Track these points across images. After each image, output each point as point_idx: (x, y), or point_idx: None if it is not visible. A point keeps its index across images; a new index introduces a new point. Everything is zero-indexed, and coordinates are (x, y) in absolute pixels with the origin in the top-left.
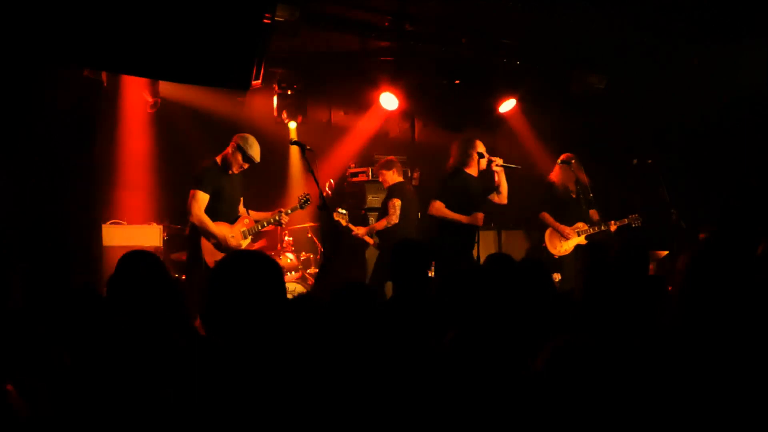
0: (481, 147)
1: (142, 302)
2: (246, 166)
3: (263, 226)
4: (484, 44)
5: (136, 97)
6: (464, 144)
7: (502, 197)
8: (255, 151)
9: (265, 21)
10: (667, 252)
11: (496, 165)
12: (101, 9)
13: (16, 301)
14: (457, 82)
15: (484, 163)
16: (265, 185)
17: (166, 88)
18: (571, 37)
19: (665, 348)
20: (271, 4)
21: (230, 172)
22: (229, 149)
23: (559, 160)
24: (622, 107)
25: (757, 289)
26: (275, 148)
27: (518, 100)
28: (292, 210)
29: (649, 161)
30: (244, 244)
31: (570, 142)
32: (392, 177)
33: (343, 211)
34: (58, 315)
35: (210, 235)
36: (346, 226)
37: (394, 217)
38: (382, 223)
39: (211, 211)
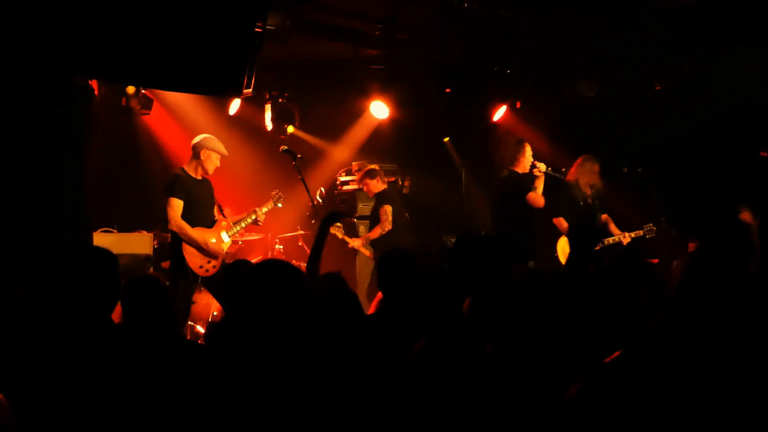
0: (529, 151)
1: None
2: (219, 164)
3: (242, 227)
4: (474, 52)
5: (127, 105)
6: (515, 146)
7: None
8: (221, 144)
9: (257, 29)
10: (657, 260)
11: (538, 171)
12: (94, 18)
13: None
14: (447, 90)
15: (527, 166)
16: (255, 193)
17: (156, 96)
18: (562, 45)
19: (658, 353)
20: (263, 13)
21: (200, 177)
22: (203, 156)
23: (578, 161)
24: (613, 115)
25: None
26: (265, 156)
27: (509, 108)
28: (267, 208)
29: (640, 169)
30: (225, 246)
31: (561, 150)
32: (376, 185)
33: (339, 224)
34: (56, 322)
35: (190, 240)
36: (342, 239)
37: (387, 224)
38: (377, 232)
39: (186, 217)
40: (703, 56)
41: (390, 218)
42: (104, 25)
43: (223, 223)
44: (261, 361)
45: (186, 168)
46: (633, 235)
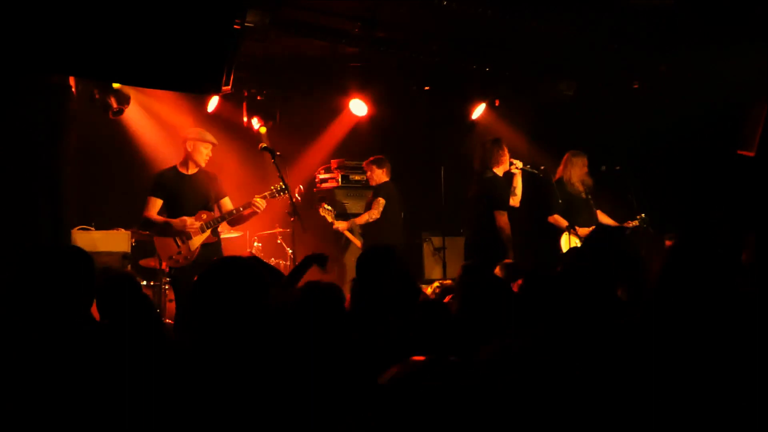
0: (506, 148)
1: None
2: (210, 153)
3: (238, 211)
4: (454, 51)
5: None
6: (493, 146)
7: (515, 200)
8: (208, 134)
9: (235, 26)
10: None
11: (516, 168)
12: (71, 14)
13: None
14: (426, 88)
15: (507, 164)
16: (234, 191)
17: (133, 94)
18: (540, 44)
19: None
20: (242, 10)
21: (191, 171)
22: (189, 148)
23: (566, 157)
24: (591, 114)
25: (740, 295)
26: (244, 153)
27: (488, 106)
28: (270, 195)
29: (617, 167)
30: (200, 238)
31: (539, 148)
32: (380, 176)
33: (329, 207)
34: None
35: (159, 228)
36: (331, 223)
37: (376, 213)
38: (363, 218)
39: (173, 213)
40: (681, 56)
41: (380, 209)
42: (82, 21)
43: (204, 215)
44: (227, 359)
45: (177, 164)
46: (633, 224)
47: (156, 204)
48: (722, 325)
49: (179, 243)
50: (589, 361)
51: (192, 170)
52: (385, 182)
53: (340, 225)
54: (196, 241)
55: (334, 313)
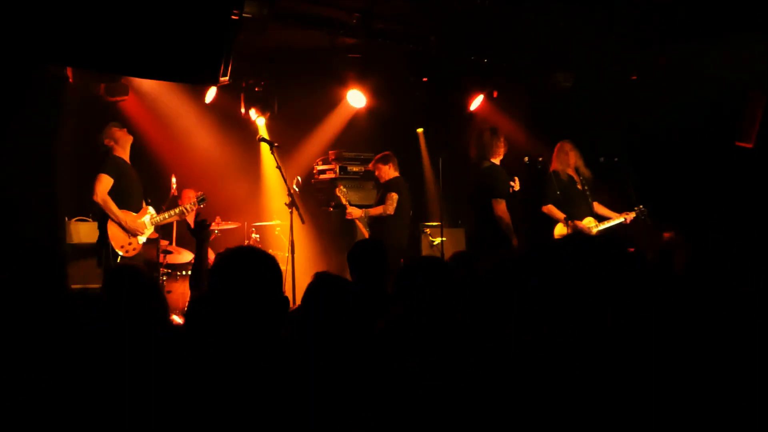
0: (502, 138)
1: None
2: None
3: (166, 219)
4: (451, 42)
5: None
6: (492, 136)
7: None
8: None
9: (233, 17)
10: (633, 249)
11: (511, 188)
12: (69, 6)
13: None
14: (425, 79)
15: (503, 154)
16: (231, 182)
17: (131, 83)
18: (538, 35)
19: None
20: (240, 0)
21: (126, 159)
22: (114, 138)
23: (557, 147)
24: (590, 105)
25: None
26: (242, 144)
27: (486, 97)
28: (191, 206)
29: (616, 159)
30: (147, 233)
31: (537, 139)
32: (388, 172)
33: (345, 189)
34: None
35: (115, 215)
36: (344, 206)
37: (391, 208)
38: (378, 210)
39: (120, 198)
40: (679, 48)
41: (394, 205)
42: (79, 11)
43: (149, 210)
44: (243, 348)
45: (115, 153)
46: (631, 216)
47: (109, 183)
48: (723, 325)
49: (130, 234)
50: (589, 361)
51: (128, 159)
52: (396, 177)
53: (354, 211)
54: (144, 229)
55: (334, 310)
